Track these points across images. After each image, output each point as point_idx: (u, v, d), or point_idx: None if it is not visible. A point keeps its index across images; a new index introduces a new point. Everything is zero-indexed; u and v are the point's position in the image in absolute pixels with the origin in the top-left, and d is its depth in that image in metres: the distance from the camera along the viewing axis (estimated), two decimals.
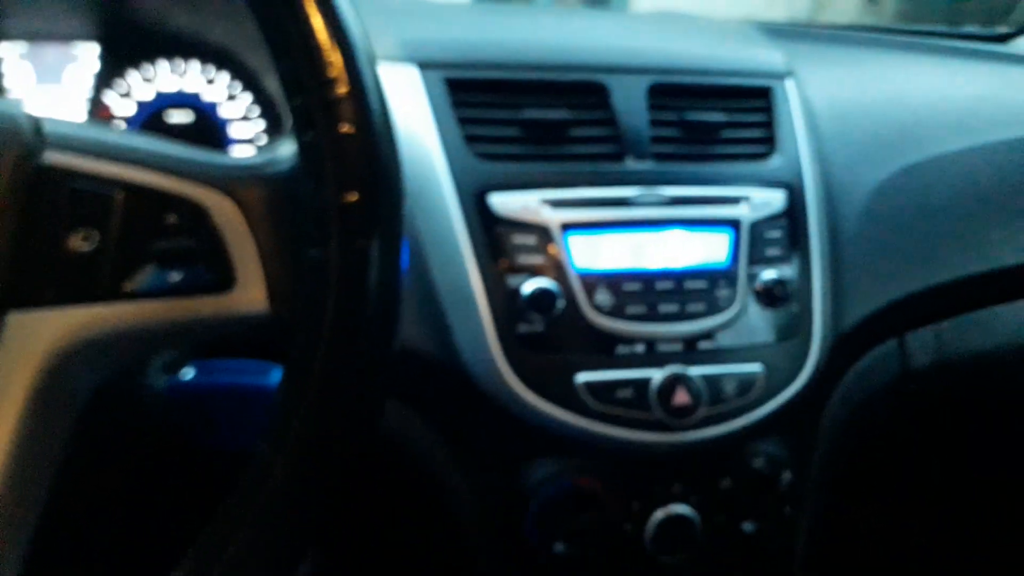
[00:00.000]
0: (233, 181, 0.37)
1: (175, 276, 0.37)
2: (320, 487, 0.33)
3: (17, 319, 0.35)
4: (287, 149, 0.39)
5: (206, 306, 0.37)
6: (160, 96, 0.73)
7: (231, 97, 0.75)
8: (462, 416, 0.61)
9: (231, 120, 0.75)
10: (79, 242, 0.36)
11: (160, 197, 0.37)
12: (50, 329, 0.35)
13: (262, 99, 0.74)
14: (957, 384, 0.76)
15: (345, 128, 0.34)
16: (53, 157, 0.36)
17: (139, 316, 0.36)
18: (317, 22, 0.34)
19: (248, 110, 0.75)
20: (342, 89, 0.34)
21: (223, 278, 0.37)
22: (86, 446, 0.42)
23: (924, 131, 0.78)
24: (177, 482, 0.62)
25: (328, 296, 0.33)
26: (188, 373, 0.55)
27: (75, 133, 0.37)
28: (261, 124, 0.75)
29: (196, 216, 0.37)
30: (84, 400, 0.39)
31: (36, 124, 0.37)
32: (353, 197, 0.33)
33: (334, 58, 0.34)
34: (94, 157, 0.36)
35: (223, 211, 0.37)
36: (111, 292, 0.36)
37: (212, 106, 0.74)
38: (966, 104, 0.83)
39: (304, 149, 0.35)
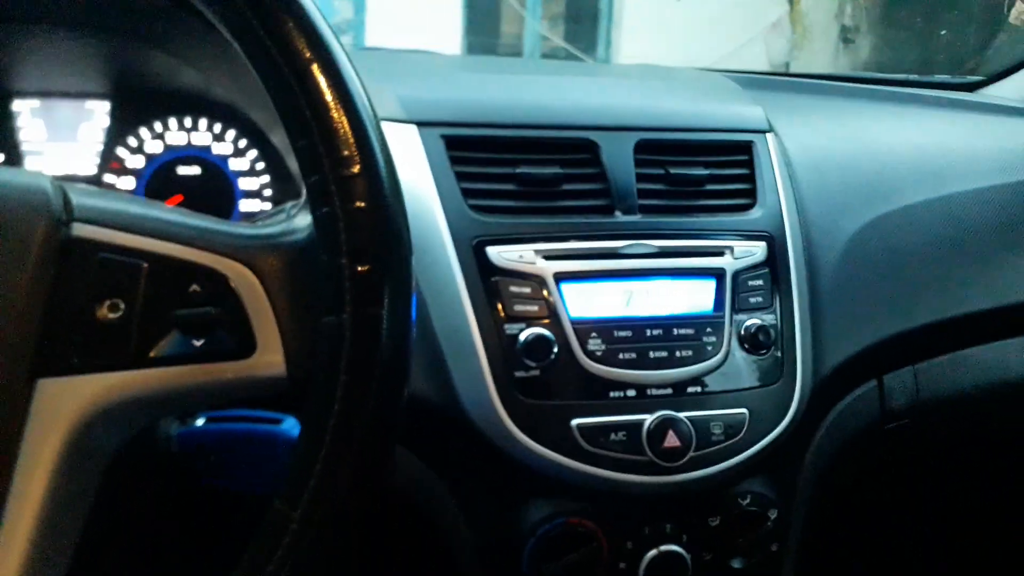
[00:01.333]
0: (252, 251, 0.40)
1: (198, 343, 0.39)
2: (334, 536, 0.35)
3: (47, 385, 0.37)
4: (302, 220, 0.42)
5: (228, 371, 0.39)
6: (169, 150, 0.76)
7: (238, 151, 0.78)
8: (461, 458, 0.63)
9: (239, 173, 0.78)
10: (106, 311, 0.37)
11: (183, 267, 0.39)
12: (79, 395, 0.37)
13: (268, 153, 0.77)
14: (935, 422, 0.79)
15: (358, 204, 0.36)
16: (81, 229, 0.38)
17: (164, 381, 0.38)
18: (331, 107, 0.37)
19: (254, 163, 0.78)
20: (355, 168, 0.37)
21: (244, 344, 0.39)
22: (106, 493, 0.44)
23: (896, 181, 0.81)
24: (190, 523, 0.64)
25: (342, 359, 0.35)
26: (199, 421, 0.57)
27: (102, 205, 0.39)
28: (267, 178, 0.78)
29: (217, 285, 0.39)
30: (109, 458, 0.41)
31: (64, 196, 0.39)
32: (365, 268, 0.36)
33: (348, 139, 0.37)
34: (121, 230, 0.39)
35: (243, 280, 0.39)
36: (137, 359, 0.38)
37: (220, 160, 0.77)
38: (936, 153, 0.87)
39: (319, 222, 0.37)
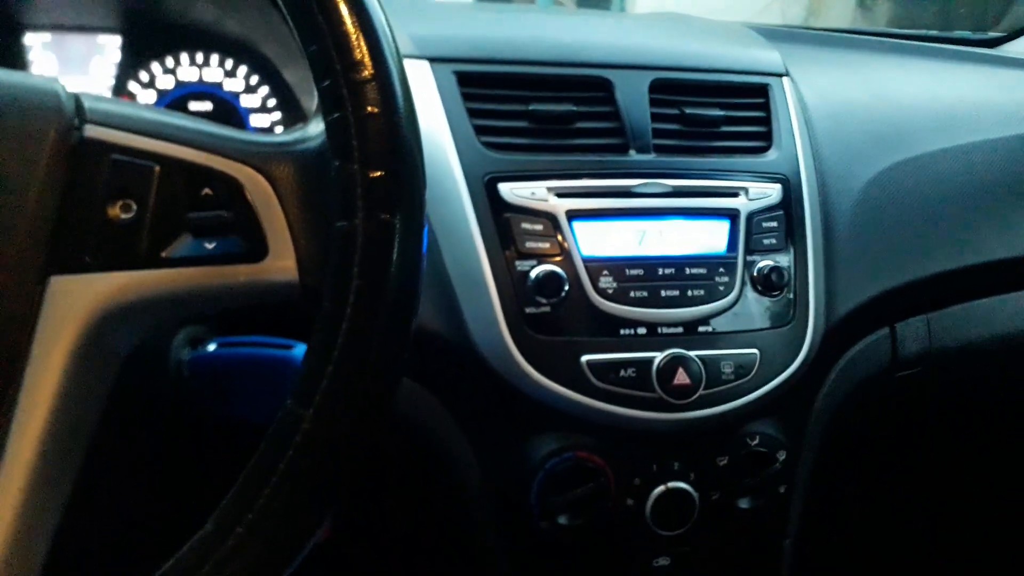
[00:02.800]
0: (264, 158, 0.40)
1: (210, 245, 0.39)
2: (346, 443, 0.35)
3: (59, 283, 0.37)
4: (315, 128, 0.42)
5: (240, 274, 0.39)
6: (181, 85, 0.76)
7: (250, 87, 0.77)
8: (471, 393, 0.64)
9: (250, 110, 0.78)
10: (118, 211, 0.38)
11: (195, 171, 0.39)
12: (91, 293, 0.37)
13: (280, 90, 0.77)
14: (945, 372, 0.78)
15: (370, 109, 0.36)
16: (93, 131, 0.38)
17: (176, 282, 0.38)
18: (344, 10, 0.36)
19: (266, 100, 0.78)
20: (367, 72, 0.36)
21: (256, 248, 0.39)
22: (115, 415, 0.45)
23: (914, 129, 0.81)
24: (198, 453, 0.65)
25: (354, 264, 0.35)
26: (210, 346, 0.57)
27: (114, 109, 0.40)
28: (278, 115, 0.78)
29: (229, 190, 0.39)
30: (120, 362, 0.41)
31: (76, 100, 0.39)
32: (377, 173, 0.36)
33: (360, 43, 0.36)
34: (133, 133, 0.39)
35: (255, 185, 0.39)
36: (149, 259, 0.38)
37: (232, 96, 0.77)
38: (954, 104, 0.86)
39: (331, 128, 0.37)
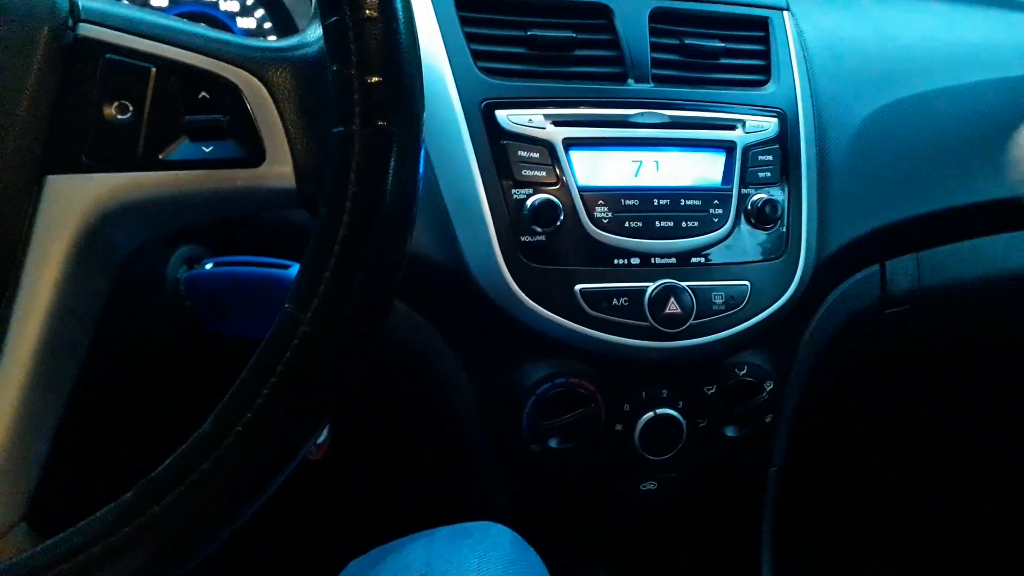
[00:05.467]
0: (262, 63, 0.39)
1: (207, 149, 0.39)
2: (343, 347, 0.35)
3: (56, 182, 0.37)
4: (314, 33, 0.41)
5: (237, 178, 0.39)
6: (175, 4, 0.75)
7: (245, 9, 0.76)
8: (467, 320, 0.64)
9: (245, 31, 0.76)
10: (114, 112, 0.38)
11: (192, 73, 0.39)
12: (88, 193, 0.37)
13: (276, 11, 0.75)
14: (933, 310, 0.79)
15: (368, 13, 0.35)
16: (88, 30, 0.38)
17: (173, 184, 0.38)
18: None
19: (261, 23, 0.76)
20: None
21: (253, 154, 0.39)
22: (113, 331, 0.45)
23: (913, 68, 0.80)
24: (193, 370, 0.65)
25: (351, 170, 0.35)
26: (207, 265, 0.57)
27: (109, 9, 0.39)
28: (274, 37, 0.77)
29: (227, 93, 0.39)
30: (117, 266, 0.41)
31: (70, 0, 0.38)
32: (375, 79, 0.35)
33: None
34: (128, 33, 0.38)
35: (253, 90, 0.39)
36: (146, 161, 0.38)
37: (227, 16, 0.75)
38: (953, 43, 0.85)
39: (328, 32, 0.37)
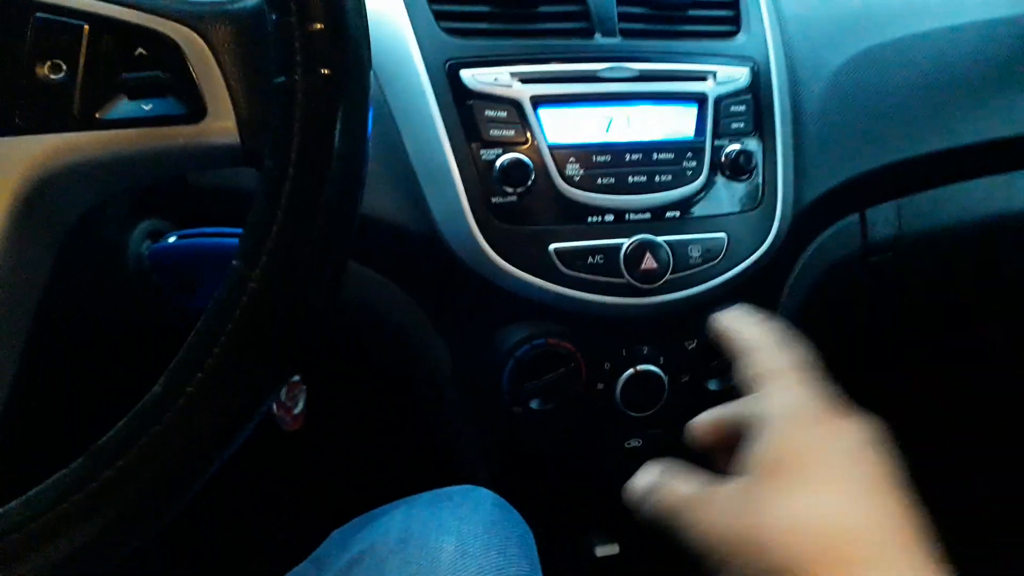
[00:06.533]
0: (200, 17, 0.38)
1: (147, 107, 0.37)
2: (294, 303, 0.34)
3: None
4: None
5: (179, 135, 0.38)
6: None
7: None
8: (441, 285, 0.63)
9: None
10: (47, 72, 0.36)
11: (127, 30, 0.37)
12: (24, 155, 0.36)
13: None
14: (916, 257, 0.79)
15: None
16: None
17: (114, 143, 0.37)
18: None
19: None
20: None
21: (194, 109, 0.38)
22: (66, 307, 0.44)
23: (887, 14, 0.79)
24: (157, 343, 0.64)
25: (294, 120, 0.34)
26: (171, 238, 0.56)
27: None
28: None
29: (164, 49, 0.38)
30: (61, 235, 0.40)
31: None
32: (317, 26, 0.34)
33: None
34: None
35: (191, 45, 0.38)
36: (83, 121, 0.37)
37: None
38: None
39: None
